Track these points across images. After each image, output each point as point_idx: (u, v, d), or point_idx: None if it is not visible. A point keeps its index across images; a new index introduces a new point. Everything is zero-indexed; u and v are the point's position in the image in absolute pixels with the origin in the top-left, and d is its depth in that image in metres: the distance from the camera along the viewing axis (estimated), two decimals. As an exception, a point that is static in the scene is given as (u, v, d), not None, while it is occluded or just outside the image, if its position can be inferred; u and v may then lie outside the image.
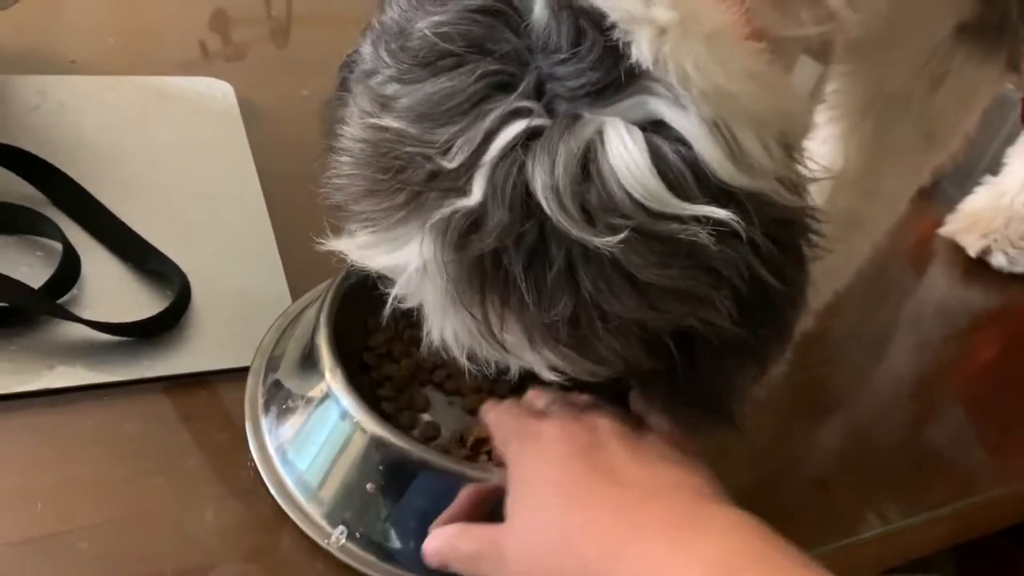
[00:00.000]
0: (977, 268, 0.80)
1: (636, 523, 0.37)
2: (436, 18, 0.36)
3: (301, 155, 0.70)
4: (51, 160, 0.58)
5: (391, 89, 0.36)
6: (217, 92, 0.72)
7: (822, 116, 0.53)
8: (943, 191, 0.91)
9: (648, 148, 0.33)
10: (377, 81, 0.37)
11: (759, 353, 0.40)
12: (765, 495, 0.56)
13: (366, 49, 0.39)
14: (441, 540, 0.43)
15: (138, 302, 0.54)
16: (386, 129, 0.36)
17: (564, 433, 0.41)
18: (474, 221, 0.34)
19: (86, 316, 0.51)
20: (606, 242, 0.33)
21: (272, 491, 0.47)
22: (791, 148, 0.37)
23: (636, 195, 0.33)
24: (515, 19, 0.35)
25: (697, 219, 0.33)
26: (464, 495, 0.44)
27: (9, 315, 0.50)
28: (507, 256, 0.34)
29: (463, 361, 0.40)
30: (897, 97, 0.49)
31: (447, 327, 0.38)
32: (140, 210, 0.59)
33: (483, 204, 0.34)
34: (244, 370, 0.52)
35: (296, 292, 0.58)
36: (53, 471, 0.46)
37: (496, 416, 0.45)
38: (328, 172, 0.39)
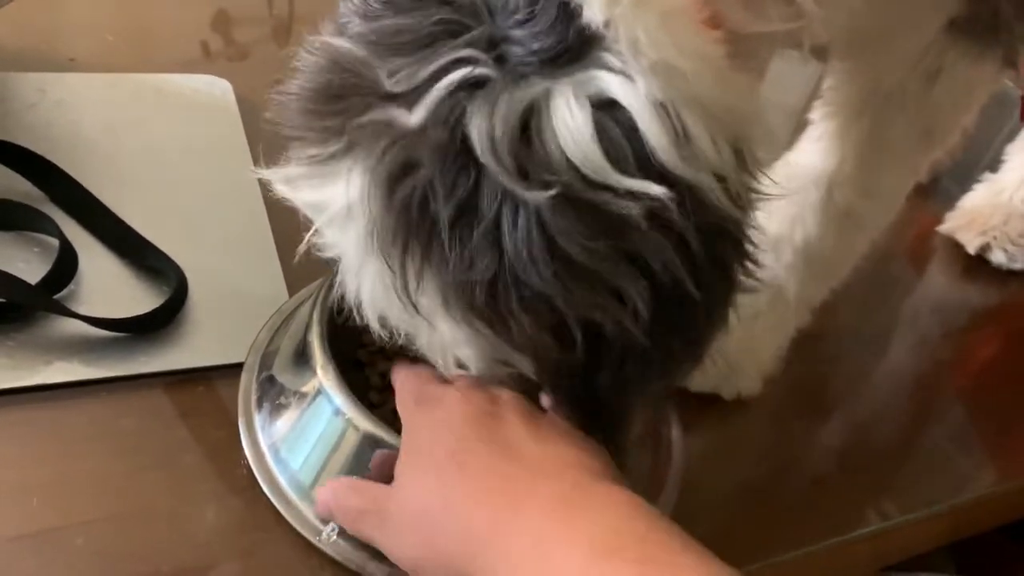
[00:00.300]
0: (976, 265, 0.80)
1: (522, 499, 0.37)
2: None
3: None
4: (49, 157, 0.58)
5: (351, 22, 0.37)
6: (216, 90, 0.72)
7: (818, 113, 0.53)
8: (943, 188, 0.91)
9: (593, 121, 0.33)
10: (342, 20, 0.38)
11: (663, 366, 0.39)
12: (763, 493, 0.57)
13: (342, 6, 0.39)
14: (329, 492, 0.43)
15: (135, 298, 0.54)
16: (336, 49, 0.36)
17: (464, 401, 0.41)
18: (407, 159, 0.34)
19: (83, 312, 0.51)
20: (535, 197, 0.33)
21: (265, 490, 0.47)
22: (742, 155, 0.36)
23: (573, 158, 0.33)
24: None
25: (632, 193, 0.33)
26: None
27: (6, 311, 0.50)
28: (436, 203, 0.34)
29: (375, 326, 0.39)
30: (893, 94, 0.49)
31: (364, 282, 0.38)
32: (138, 207, 0.59)
33: (420, 135, 0.34)
34: (241, 366, 0.52)
35: (293, 289, 0.58)
36: (49, 466, 0.46)
37: (402, 377, 0.45)
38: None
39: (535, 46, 0.34)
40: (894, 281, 0.80)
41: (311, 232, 0.39)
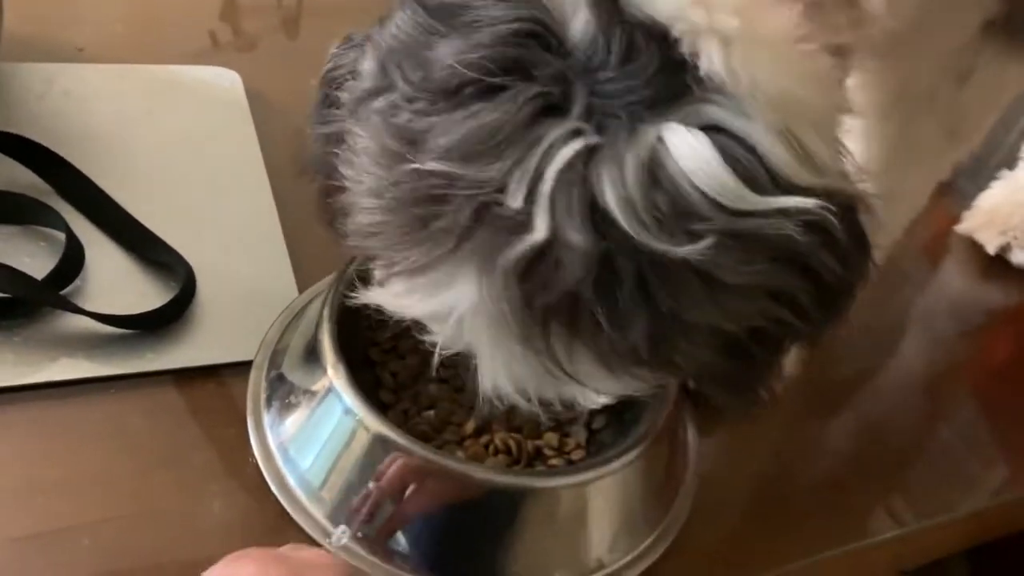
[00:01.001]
0: (993, 264, 0.79)
1: None
2: (464, 42, 0.33)
3: (307, 144, 0.70)
4: (56, 149, 0.57)
5: (421, 124, 0.34)
6: (225, 82, 0.71)
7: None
8: (958, 186, 0.90)
9: (715, 146, 0.32)
10: (400, 117, 0.34)
11: (812, 339, 0.40)
12: (779, 496, 0.56)
13: (368, 67, 0.37)
14: None
15: (143, 294, 0.53)
16: (429, 173, 0.33)
17: None
18: (539, 253, 0.32)
19: (90, 308, 0.50)
20: (691, 251, 0.31)
21: (274, 490, 0.46)
22: (839, 141, 0.37)
23: (712, 195, 0.32)
24: (554, 41, 0.33)
25: (782, 212, 0.32)
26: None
27: (11, 307, 0.49)
28: (573, 282, 0.32)
29: (522, 403, 0.38)
30: (923, 94, 0.48)
31: (504, 369, 0.36)
32: (146, 200, 0.58)
33: (549, 238, 0.32)
34: (250, 364, 0.52)
35: (303, 285, 0.57)
36: (55, 465, 0.46)
37: None
38: (347, 216, 0.37)
39: (635, 96, 0.33)
40: (909, 281, 0.79)
41: (435, 346, 0.37)
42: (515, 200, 0.32)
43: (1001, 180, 0.82)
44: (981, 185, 0.83)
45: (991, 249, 0.78)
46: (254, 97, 0.70)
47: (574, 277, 0.32)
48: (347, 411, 0.45)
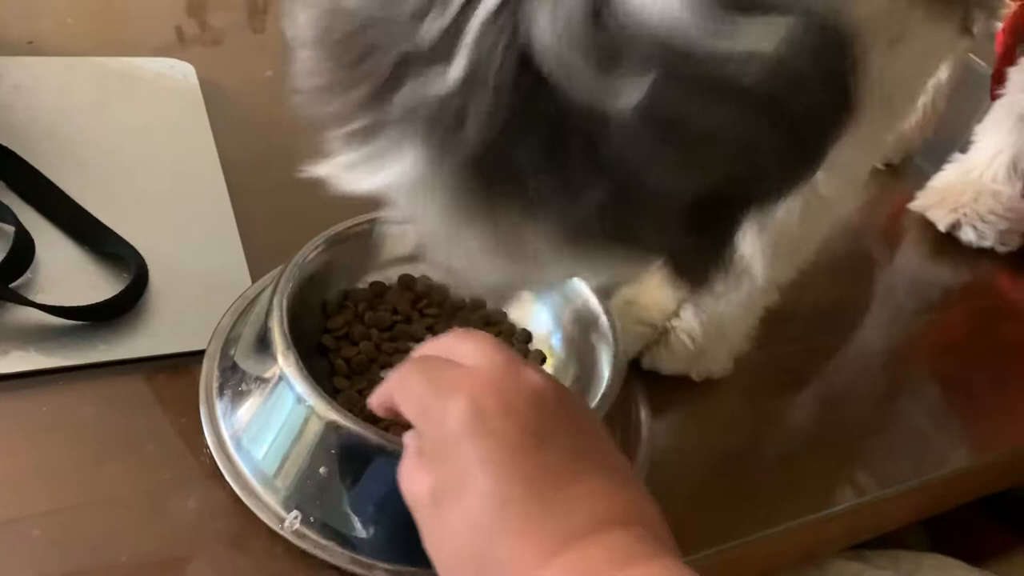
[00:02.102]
0: (946, 243, 0.80)
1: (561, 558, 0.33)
2: None
3: (264, 137, 0.70)
4: (4, 142, 0.57)
5: None
6: (178, 73, 0.70)
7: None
8: (916, 168, 0.91)
9: None
10: None
11: (776, 198, 0.34)
12: (734, 473, 0.56)
13: None
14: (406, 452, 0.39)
15: (94, 285, 0.53)
16: (341, 11, 0.30)
17: (503, 410, 0.35)
18: (461, 109, 0.28)
19: (41, 300, 0.50)
20: (634, 97, 0.27)
21: (229, 481, 0.46)
22: None
23: (662, 29, 0.27)
24: None
25: (744, 48, 0.27)
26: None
27: (-40, 300, 0.49)
28: (514, 148, 0.29)
29: (484, 295, 0.35)
30: None
31: (458, 252, 0.33)
32: (97, 192, 0.58)
33: (466, 84, 0.28)
34: (203, 353, 0.52)
35: (257, 274, 0.57)
36: (6, 457, 0.45)
37: (406, 376, 0.39)
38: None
39: None
40: (866, 259, 0.80)
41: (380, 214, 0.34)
42: (428, 38, 0.28)
43: (955, 162, 0.83)
44: (940, 168, 0.84)
45: (942, 226, 0.79)
46: (208, 87, 0.70)
47: (495, 126, 0.28)
48: (299, 399, 0.45)
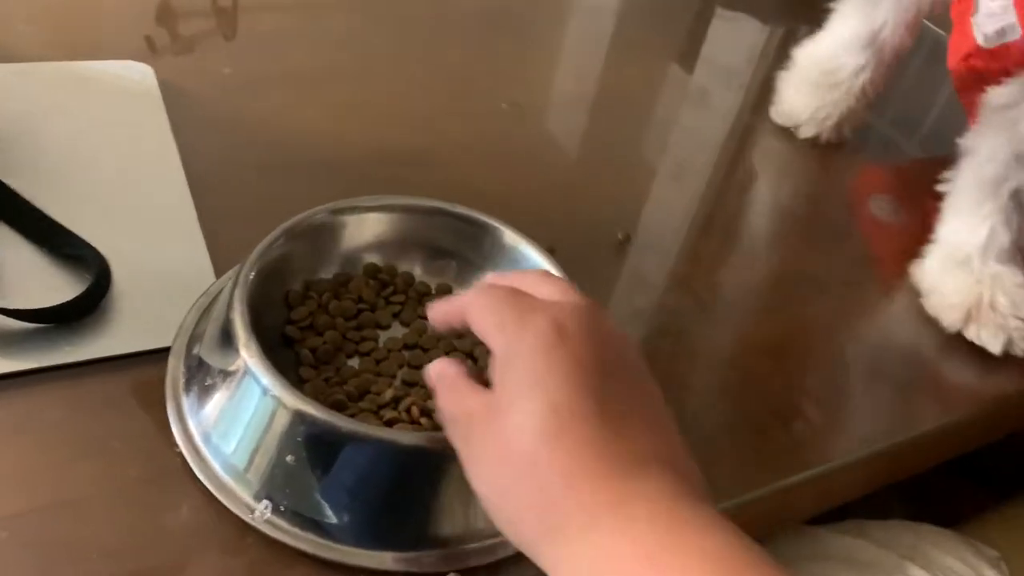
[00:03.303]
0: (907, 211, 0.81)
1: (616, 509, 0.34)
2: None
3: (225, 134, 0.70)
4: (-40, 150, 0.57)
5: None
6: (136, 74, 0.70)
7: None
8: (884, 136, 0.92)
9: None
10: None
11: None
12: (701, 440, 0.56)
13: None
14: (441, 377, 0.41)
15: (57, 288, 0.53)
16: None
17: (583, 337, 0.37)
18: None
19: (2, 305, 0.50)
20: None
21: (200, 476, 0.46)
22: None
23: None
24: None
25: None
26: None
27: (-80, 308, 0.49)
28: None
29: None
30: None
31: None
32: (57, 196, 0.57)
33: None
34: (169, 350, 0.52)
35: (220, 271, 0.57)
36: (-28, 462, 0.45)
37: (485, 293, 0.40)
38: None
39: None
40: (831, 230, 0.81)
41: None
42: None
43: (936, 245, 0.72)
44: (912, 139, 0.84)
45: (996, 350, 0.68)
46: (167, 87, 0.70)
47: None
48: (264, 390, 0.45)
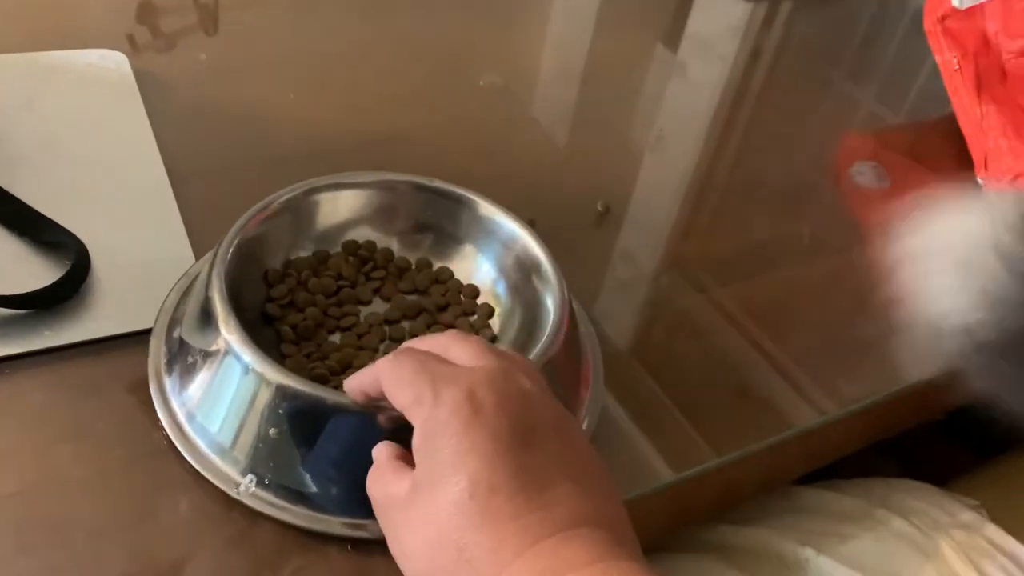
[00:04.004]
0: (901, 176, 0.81)
1: (539, 562, 0.34)
2: None
3: (201, 121, 0.70)
4: (-65, 142, 0.57)
5: None
6: (110, 63, 0.70)
7: None
8: (871, 113, 0.93)
9: None
10: None
11: None
12: (687, 405, 0.57)
13: None
14: (378, 462, 0.41)
15: (35, 275, 0.53)
16: None
17: (498, 407, 0.37)
18: None
19: (-19, 293, 0.50)
20: None
21: (185, 455, 0.46)
22: None
23: None
24: None
25: None
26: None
27: (-101, 298, 0.49)
28: None
29: None
30: None
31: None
32: (33, 186, 0.57)
33: None
34: (150, 332, 0.52)
35: (200, 253, 0.57)
36: (-44, 448, 0.46)
37: (399, 364, 0.40)
38: None
39: None
40: (816, 195, 0.81)
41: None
42: None
43: None
44: (900, 111, 0.84)
45: None
46: (142, 75, 0.70)
47: None
48: (246, 368, 0.45)
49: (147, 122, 0.66)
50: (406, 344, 0.44)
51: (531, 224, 0.56)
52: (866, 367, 0.63)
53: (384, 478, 0.40)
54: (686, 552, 0.64)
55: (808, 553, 0.61)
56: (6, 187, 0.57)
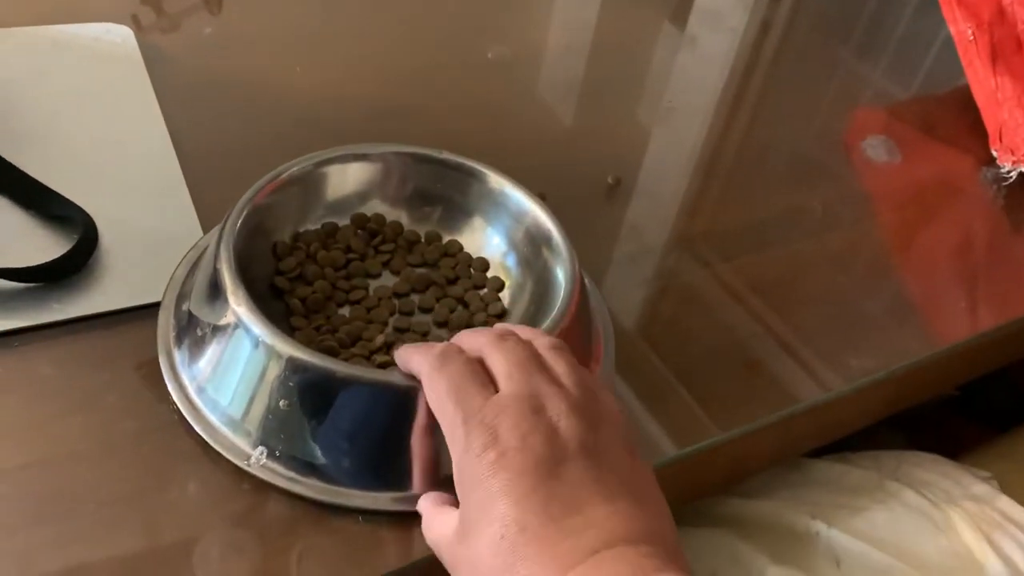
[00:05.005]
0: (908, 151, 0.80)
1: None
2: None
3: (207, 94, 0.70)
4: (-60, 115, 0.56)
5: None
6: (116, 37, 0.70)
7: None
8: (880, 88, 0.92)
9: None
10: None
11: None
12: (697, 379, 0.57)
13: None
14: (424, 512, 0.43)
15: (44, 248, 0.53)
16: None
17: (522, 445, 0.37)
18: None
19: (-10, 266, 0.50)
20: None
21: (196, 427, 0.46)
22: None
23: None
24: None
25: None
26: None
27: (-92, 271, 0.49)
28: None
29: None
30: None
31: None
32: (40, 160, 0.57)
33: None
34: (159, 305, 0.52)
35: (207, 225, 0.57)
36: (-34, 420, 0.46)
37: (436, 379, 0.41)
38: None
39: None
40: (825, 172, 0.80)
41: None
42: None
43: None
44: (908, 88, 0.83)
45: None
46: (147, 49, 0.70)
47: None
48: (256, 341, 0.45)
49: (153, 95, 0.65)
50: (450, 345, 0.43)
51: (541, 198, 0.56)
52: (875, 342, 0.63)
53: (433, 524, 0.42)
54: (696, 526, 0.64)
55: (819, 526, 0.61)
56: (13, 161, 0.56)
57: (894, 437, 0.82)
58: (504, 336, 0.42)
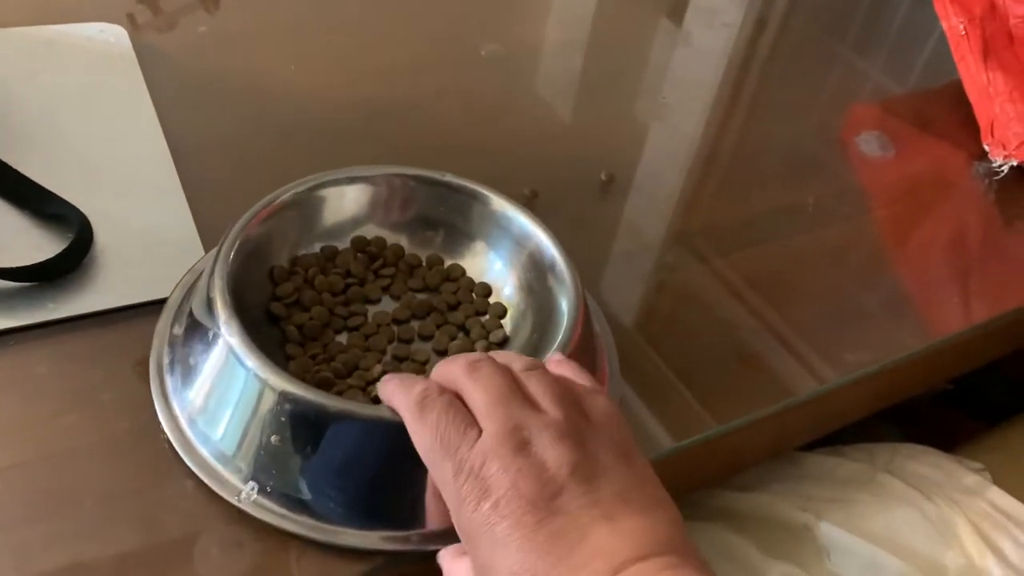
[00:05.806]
0: (903, 146, 0.80)
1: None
2: None
3: (201, 92, 0.70)
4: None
5: None
6: (110, 36, 0.70)
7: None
8: (876, 84, 0.92)
9: None
10: None
11: None
12: (693, 375, 0.57)
13: None
14: (443, 565, 0.42)
15: (39, 247, 0.53)
16: None
17: (512, 492, 0.36)
18: None
19: (-15, 266, 0.50)
20: None
21: (188, 462, 0.45)
22: None
23: None
24: None
25: None
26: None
27: (-97, 271, 0.49)
28: None
29: None
30: None
31: None
32: (34, 160, 0.57)
33: None
34: (154, 304, 0.52)
35: (204, 227, 0.57)
36: (-38, 419, 0.46)
37: (419, 420, 0.40)
38: None
39: None
40: (822, 167, 0.81)
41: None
42: None
43: None
44: (904, 83, 0.83)
45: None
46: (141, 48, 0.70)
47: None
48: (247, 372, 0.43)
49: (147, 95, 0.65)
50: (428, 386, 0.41)
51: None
52: (870, 335, 0.63)
53: (456, 568, 0.41)
54: (690, 519, 0.64)
55: (810, 519, 0.62)
56: (8, 160, 0.56)
57: (888, 430, 0.83)
58: (477, 365, 0.41)
